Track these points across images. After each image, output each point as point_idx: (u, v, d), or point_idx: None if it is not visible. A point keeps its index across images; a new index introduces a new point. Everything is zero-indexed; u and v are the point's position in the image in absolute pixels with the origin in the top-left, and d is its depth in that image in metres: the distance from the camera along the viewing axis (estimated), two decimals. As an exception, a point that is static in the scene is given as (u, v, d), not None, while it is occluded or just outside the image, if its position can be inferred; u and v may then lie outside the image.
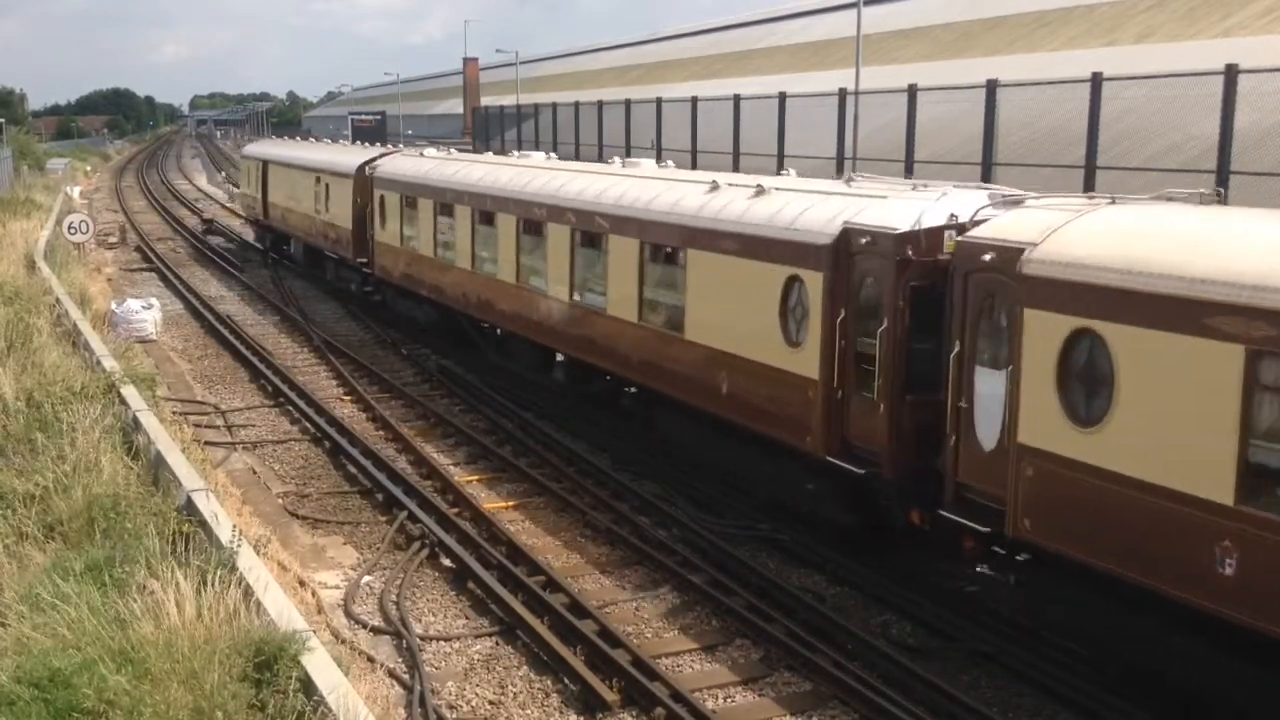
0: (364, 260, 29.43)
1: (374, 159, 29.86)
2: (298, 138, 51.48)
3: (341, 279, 33.09)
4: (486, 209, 22.15)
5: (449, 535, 14.89)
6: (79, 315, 24.44)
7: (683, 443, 17.15)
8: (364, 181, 29.15)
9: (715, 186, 16.32)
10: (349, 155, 33.06)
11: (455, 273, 23.83)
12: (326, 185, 32.12)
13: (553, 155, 25.24)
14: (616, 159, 23.15)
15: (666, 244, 16.63)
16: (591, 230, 18.50)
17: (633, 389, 18.59)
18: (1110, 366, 9.89)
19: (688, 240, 15.98)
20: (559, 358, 20.79)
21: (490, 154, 32.70)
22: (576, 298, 19.10)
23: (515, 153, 28.50)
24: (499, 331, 22.97)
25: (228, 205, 62.48)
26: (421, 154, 29.05)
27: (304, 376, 23.81)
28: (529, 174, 21.66)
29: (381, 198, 27.88)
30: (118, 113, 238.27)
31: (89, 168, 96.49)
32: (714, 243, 15.37)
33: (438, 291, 24.84)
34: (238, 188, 73.44)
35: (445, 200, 24.12)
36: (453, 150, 31.28)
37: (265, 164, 40.75)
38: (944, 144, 25.37)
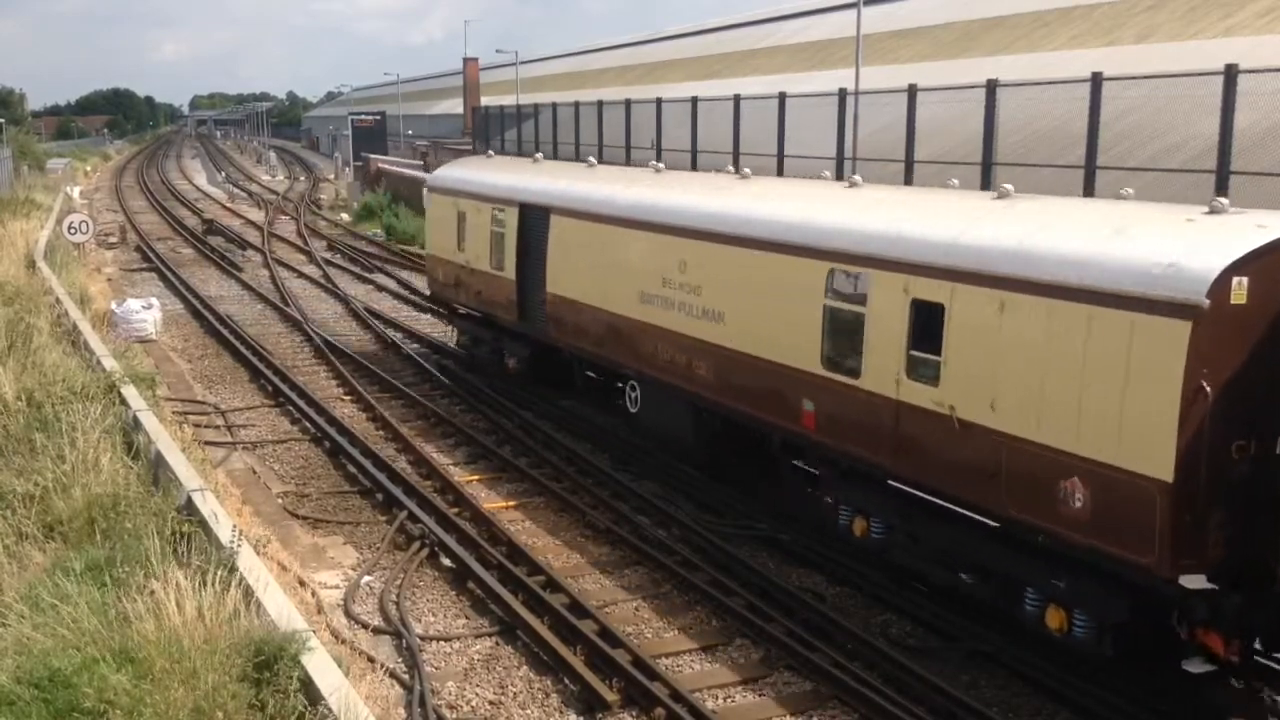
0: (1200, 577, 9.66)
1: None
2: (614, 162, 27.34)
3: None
4: None
5: (449, 535, 14.89)
6: (79, 315, 24.44)
7: None
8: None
9: None
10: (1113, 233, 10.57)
11: None
12: (1011, 308, 10.92)
13: None
14: None
15: None
16: None
17: None
18: None
19: None
20: None
21: None
22: None
23: None
24: None
25: (228, 205, 62.42)
26: None
27: (304, 376, 23.80)
28: None
29: None
30: (118, 113, 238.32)
31: (89, 168, 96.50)
32: None
33: None
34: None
35: None
36: None
37: (539, 212, 20.24)
38: (944, 144, 25.35)
